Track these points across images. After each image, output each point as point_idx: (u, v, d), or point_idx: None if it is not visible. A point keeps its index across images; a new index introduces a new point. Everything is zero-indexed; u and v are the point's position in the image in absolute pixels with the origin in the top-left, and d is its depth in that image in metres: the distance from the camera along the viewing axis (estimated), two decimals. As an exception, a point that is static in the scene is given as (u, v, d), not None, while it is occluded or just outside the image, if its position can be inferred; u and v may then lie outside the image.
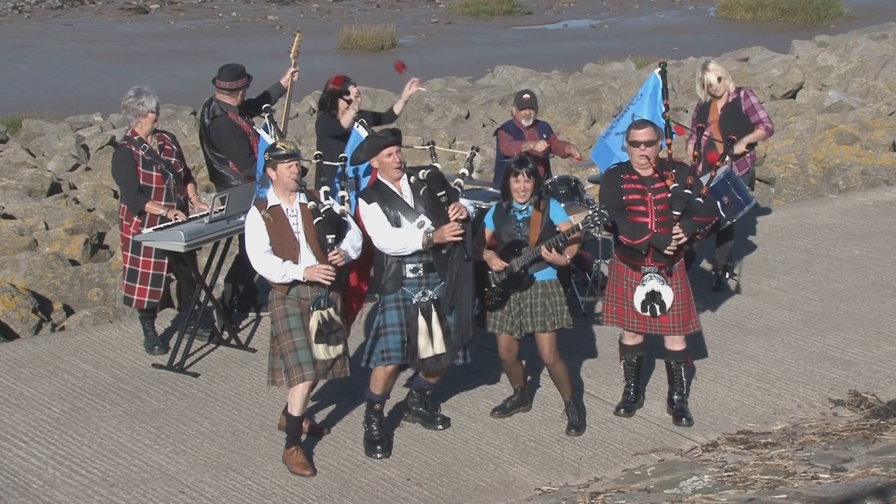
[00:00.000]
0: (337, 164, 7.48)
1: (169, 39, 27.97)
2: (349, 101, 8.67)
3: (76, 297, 9.94)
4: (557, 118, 16.37)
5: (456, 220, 6.58)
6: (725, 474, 6.27)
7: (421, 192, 6.74)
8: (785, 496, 5.76)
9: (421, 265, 6.71)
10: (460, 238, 6.60)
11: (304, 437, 6.82)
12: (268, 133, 7.66)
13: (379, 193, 6.72)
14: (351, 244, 6.61)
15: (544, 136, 9.00)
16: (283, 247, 6.45)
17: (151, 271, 8.02)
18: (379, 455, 6.81)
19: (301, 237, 6.48)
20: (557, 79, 20.18)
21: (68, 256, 10.69)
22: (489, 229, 7.02)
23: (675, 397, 7.28)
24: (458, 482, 6.58)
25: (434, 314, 6.69)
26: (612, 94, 18.18)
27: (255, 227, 6.48)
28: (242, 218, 6.97)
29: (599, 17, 32.33)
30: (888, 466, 6.06)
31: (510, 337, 7.01)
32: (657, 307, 6.93)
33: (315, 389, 6.97)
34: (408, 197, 6.74)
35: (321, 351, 6.44)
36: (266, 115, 7.85)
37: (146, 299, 8.08)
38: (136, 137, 8.00)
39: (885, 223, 11.26)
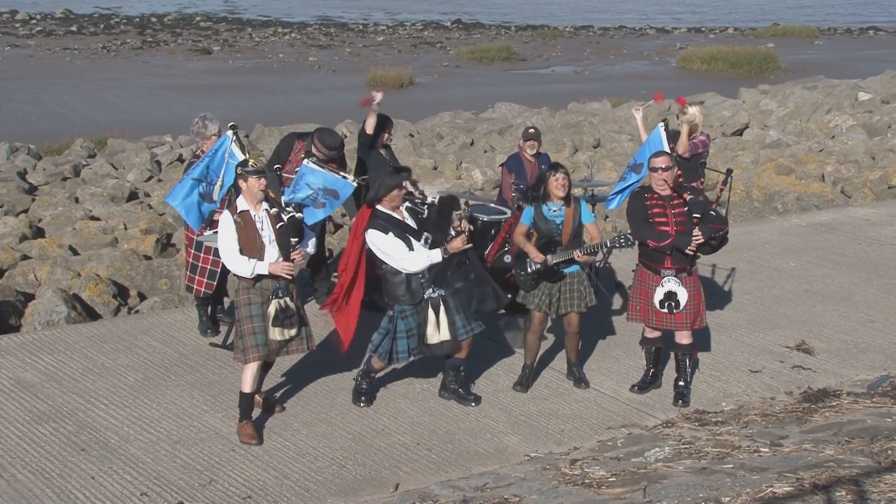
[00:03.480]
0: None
1: (228, 75, 27.94)
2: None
3: (148, 285, 9.90)
4: (545, 148, 16.29)
5: (464, 233, 6.65)
6: (682, 446, 6.21)
7: (424, 214, 6.73)
8: (731, 465, 5.72)
9: (426, 273, 6.70)
10: (469, 246, 6.71)
11: (259, 412, 6.77)
12: (238, 148, 7.32)
13: (388, 223, 6.64)
14: (310, 244, 6.65)
15: (542, 166, 8.88)
16: (251, 246, 6.37)
17: (209, 266, 7.97)
18: (363, 404, 6.93)
19: (266, 238, 6.40)
20: (546, 114, 20.12)
21: (142, 252, 10.65)
22: (525, 225, 7.15)
23: (680, 383, 7.24)
24: (460, 448, 6.52)
25: (442, 307, 6.67)
26: (591, 129, 18.13)
27: (227, 230, 6.40)
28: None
29: (581, 64, 32.27)
30: (817, 443, 6.02)
31: (544, 315, 7.16)
32: (673, 305, 6.91)
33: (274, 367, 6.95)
34: (409, 220, 6.72)
35: (277, 333, 6.41)
36: (232, 132, 7.42)
37: (203, 289, 8.04)
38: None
39: (815, 241, 11.20)
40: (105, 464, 6.17)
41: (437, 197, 6.83)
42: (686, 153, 8.46)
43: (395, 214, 6.68)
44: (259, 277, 6.40)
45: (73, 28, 36.93)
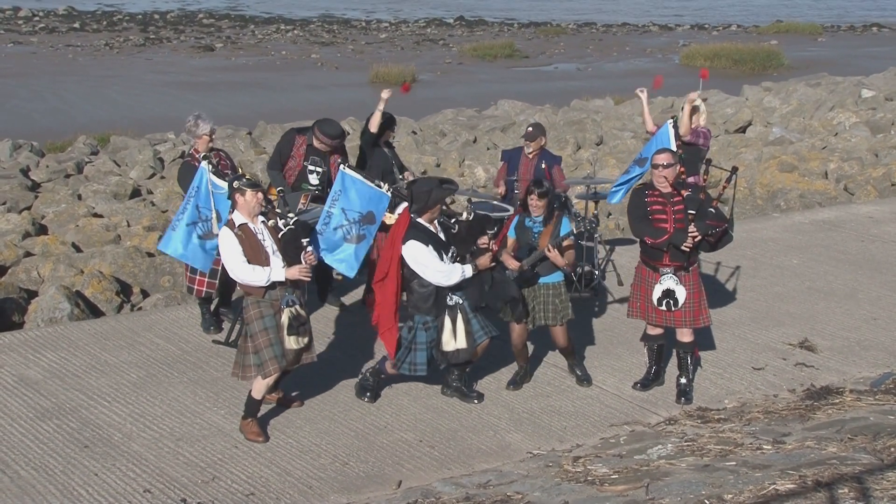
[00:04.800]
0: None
1: (230, 72, 27.95)
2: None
3: (151, 282, 9.91)
4: (548, 145, 16.27)
5: (490, 251, 6.72)
6: (685, 444, 6.21)
7: (454, 229, 6.75)
8: (734, 463, 5.71)
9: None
10: (494, 265, 6.81)
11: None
12: (216, 178, 7.24)
13: (425, 234, 6.61)
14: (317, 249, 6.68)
15: (543, 164, 8.89)
16: (257, 257, 6.28)
17: (210, 266, 7.93)
18: (366, 400, 6.94)
19: (269, 249, 6.34)
20: (549, 111, 20.11)
21: (145, 249, 10.65)
22: (511, 238, 7.08)
23: (682, 380, 7.22)
24: (463, 445, 6.52)
25: (459, 316, 6.66)
26: (594, 126, 18.12)
27: (231, 244, 6.27)
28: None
29: (584, 61, 32.25)
30: (820, 440, 6.02)
31: (523, 326, 7.07)
32: (671, 303, 6.90)
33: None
34: (440, 234, 6.72)
35: (293, 342, 6.34)
36: (206, 163, 7.35)
37: (204, 289, 8.01)
38: (198, 155, 7.91)
39: (818, 238, 11.19)
40: (108, 461, 6.17)
41: (472, 214, 6.86)
42: (688, 135, 8.43)
43: (430, 227, 6.66)
44: (271, 287, 6.30)
45: (76, 25, 36.97)
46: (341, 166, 7.20)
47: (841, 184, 14.12)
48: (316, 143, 8.39)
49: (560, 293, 7.03)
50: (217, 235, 6.94)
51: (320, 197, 7.97)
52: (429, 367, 6.79)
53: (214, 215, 7.23)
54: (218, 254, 7.78)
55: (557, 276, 7.01)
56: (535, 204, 6.91)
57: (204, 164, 7.29)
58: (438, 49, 34.08)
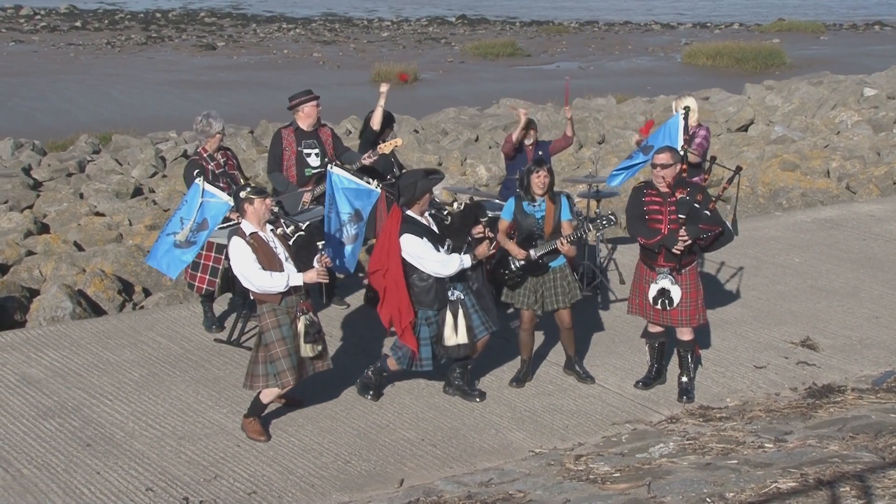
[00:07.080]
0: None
1: (232, 71, 27.97)
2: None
3: (153, 281, 9.93)
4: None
5: (487, 238, 6.73)
6: (687, 442, 6.21)
7: (447, 221, 6.76)
8: (736, 461, 5.72)
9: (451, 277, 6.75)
10: (494, 251, 6.79)
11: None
12: (213, 188, 7.24)
13: (419, 227, 6.63)
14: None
15: (539, 152, 8.96)
16: (271, 264, 6.28)
17: (211, 263, 7.94)
18: (369, 398, 6.96)
19: (282, 256, 6.35)
20: (551, 110, 20.11)
21: (147, 248, 10.65)
22: (507, 221, 7.06)
23: (683, 379, 7.23)
24: (465, 444, 6.53)
25: (461, 311, 6.69)
26: (596, 124, 18.13)
27: (245, 252, 6.25)
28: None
29: (586, 60, 32.26)
30: (821, 438, 6.02)
31: (533, 312, 7.12)
32: (666, 302, 6.91)
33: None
34: (433, 226, 6.73)
35: (309, 349, 6.35)
36: (201, 179, 7.34)
37: (205, 286, 8.01)
38: (206, 154, 7.94)
39: (820, 237, 11.19)
40: (110, 459, 6.19)
41: (462, 204, 6.87)
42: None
43: (421, 220, 6.68)
44: (286, 294, 6.30)
45: (78, 24, 37.00)
46: (329, 166, 7.23)
47: (843, 182, 14.12)
48: (299, 122, 8.39)
49: (566, 275, 7.10)
50: (195, 243, 6.97)
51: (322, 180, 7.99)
52: (434, 361, 6.81)
53: (190, 224, 7.16)
54: (206, 255, 7.84)
55: (562, 259, 7.09)
56: (541, 182, 6.91)
57: (198, 181, 7.25)
58: (440, 48, 34.10)
